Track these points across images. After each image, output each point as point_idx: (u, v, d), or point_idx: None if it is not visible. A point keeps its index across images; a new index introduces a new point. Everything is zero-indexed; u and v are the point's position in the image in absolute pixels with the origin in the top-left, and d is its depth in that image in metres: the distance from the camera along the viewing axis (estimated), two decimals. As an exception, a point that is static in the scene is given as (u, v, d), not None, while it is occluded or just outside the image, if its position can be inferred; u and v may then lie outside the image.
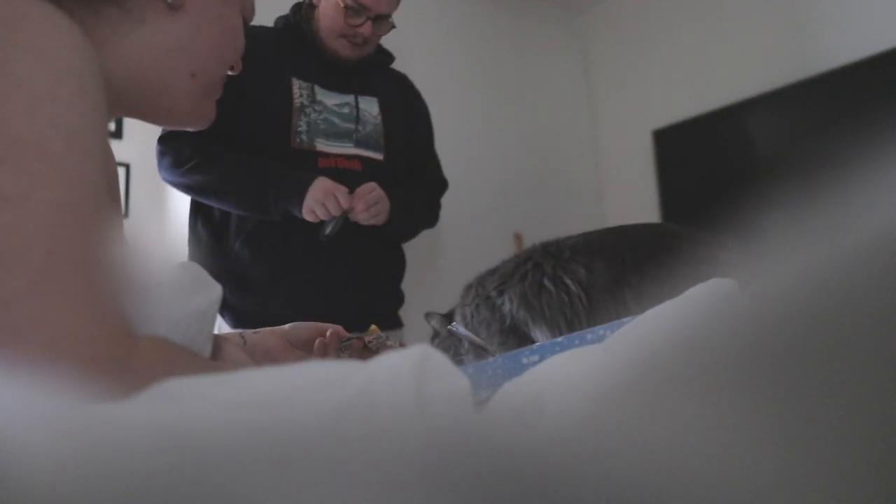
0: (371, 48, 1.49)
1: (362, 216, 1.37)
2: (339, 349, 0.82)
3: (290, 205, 1.34)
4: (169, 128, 1.28)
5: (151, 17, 0.58)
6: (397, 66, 1.71)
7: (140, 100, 0.60)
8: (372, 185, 1.39)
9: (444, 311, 1.17)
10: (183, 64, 0.60)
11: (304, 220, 1.37)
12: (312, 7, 1.48)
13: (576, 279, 0.94)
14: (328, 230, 1.36)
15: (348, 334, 0.83)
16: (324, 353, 0.80)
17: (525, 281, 0.98)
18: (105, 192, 0.46)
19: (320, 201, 1.32)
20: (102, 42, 0.55)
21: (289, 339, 0.80)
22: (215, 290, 0.54)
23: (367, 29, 1.41)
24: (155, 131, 1.43)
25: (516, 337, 0.97)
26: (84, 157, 0.43)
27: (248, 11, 0.68)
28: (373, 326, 0.85)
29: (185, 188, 1.40)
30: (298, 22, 1.48)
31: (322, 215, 1.33)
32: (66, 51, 0.44)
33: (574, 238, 1.02)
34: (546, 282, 0.96)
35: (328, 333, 0.80)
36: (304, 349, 0.80)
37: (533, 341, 0.95)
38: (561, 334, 0.91)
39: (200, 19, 0.61)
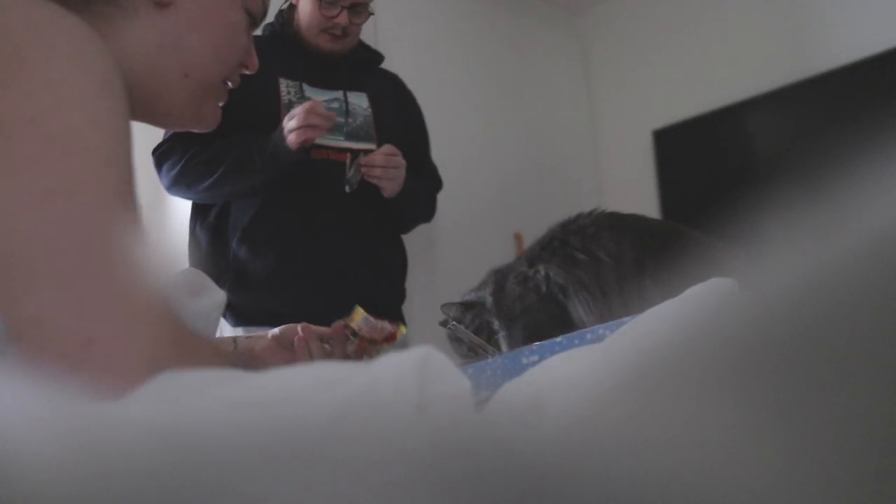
0: (353, 40, 1.52)
1: (377, 171, 1.38)
2: (321, 346, 0.80)
3: (281, 155, 1.34)
4: (172, 130, 1.29)
5: (143, 13, 0.57)
6: (397, 66, 1.71)
7: (139, 100, 0.60)
8: (395, 149, 1.41)
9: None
10: (175, 62, 0.59)
11: (300, 213, 1.39)
12: (292, 8, 1.52)
13: (607, 251, 0.93)
14: (348, 179, 1.37)
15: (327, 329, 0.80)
16: (305, 350, 0.79)
17: (556, 256, 0.97)
18: (135, 189, 0.47)
19: (298, 122, 1.30)
20: (109, 44, 0.55)
21: (279, 341, 0.80)
22: (219, 295, 0.55)
23: (343, 19, 1.44)
24: (155, 132, 1.44)
25: (556, 305, 0.95)
26: (119, 154, 0.44)
27: (255, 5, 0.65)
28: (357, 308, 0.81)
29: (186, 188, 1.40)
30: (283, 25, 1.52)
31: (307, 129, 1.30)
32: (92, 54, 0.45)
33: (591, 217, 1.02)
34: (578, 255, 0.95)
35: (300, 328, 0.79)
36: (286, 354, 0.80)
37: (569, 314, 0.94)
38: (596, 306, 0.90)
39: (191, 16, 0.59)
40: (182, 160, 1.37)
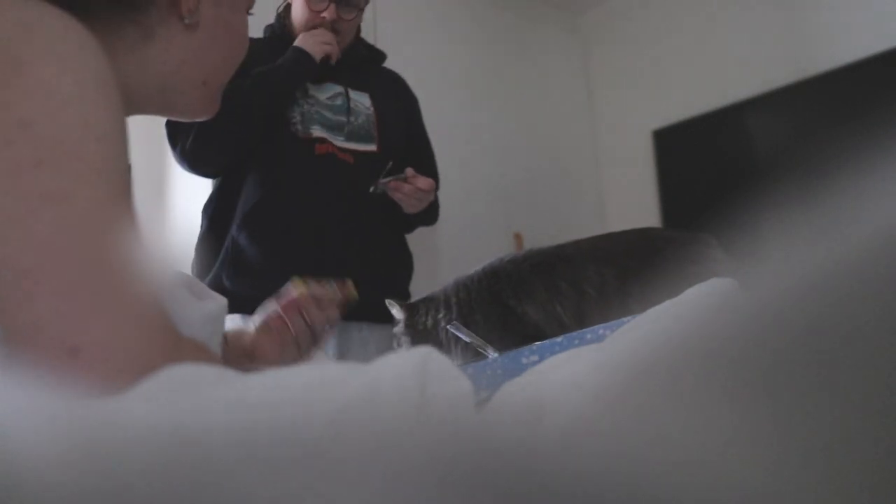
0: (347, 37, 1.53)
1: (406, 200, 1.43)
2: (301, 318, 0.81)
3: (305, 71, 1.42)
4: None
5: (167, 33, 0.59)
6: (396, 65, 1.71)
7: (152, 106, 0.62)
8: (431, 182, 1.47)
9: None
10: (195, 74, 0.62)
11: (301, 206, 1.40)
12: (288, 8, 1.54)
13: (592, 286, 0.94)
14: (377, 184, 1.43)
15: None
16: (287, 329, 0.81)
17: (540, 288, 0.97)
18: (132, 192, 0.47)
19: (316, 42, 1.42)
20: (117, 54, 0.56)
21: (264, 331, 0.81)
22: (221, 299, 0.56)
23: (331, 13, 1.46)
24: (155, 131, 1.44)
25: (529, 339, 0.96)
26: (115, 157, 0.44)
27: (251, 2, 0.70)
28: (294, 281, 0.82)
29: (209, 141, 1.38)
30: (281, 27, 1.54)
31: (327, 40, 1.43)
32: (85, 55, 0.45)
33: (576, 246, 1.02)
34: (564, 286, 0.96)
35: (278, 308, 0.81)
36: (273, 336, 0.81)
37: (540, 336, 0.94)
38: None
39: (213, 31, 0.62)
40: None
